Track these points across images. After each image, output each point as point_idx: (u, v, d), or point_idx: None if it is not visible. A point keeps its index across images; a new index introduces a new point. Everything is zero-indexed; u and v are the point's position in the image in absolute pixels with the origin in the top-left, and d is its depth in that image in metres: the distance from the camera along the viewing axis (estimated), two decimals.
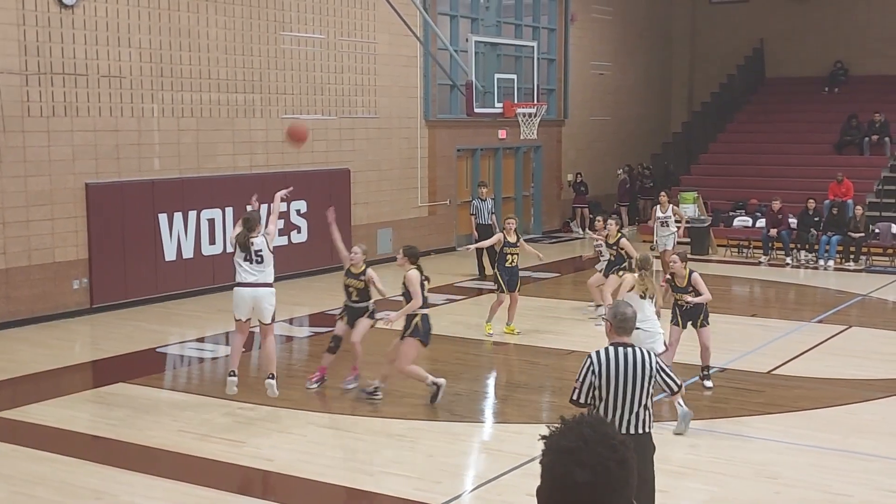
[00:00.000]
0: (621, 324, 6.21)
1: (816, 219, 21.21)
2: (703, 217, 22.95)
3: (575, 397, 6.18)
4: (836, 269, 20.12)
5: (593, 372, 6.10)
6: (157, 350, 13.14)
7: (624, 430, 6.00)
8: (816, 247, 20.84)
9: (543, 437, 2.36)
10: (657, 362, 6.20)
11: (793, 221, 21.49)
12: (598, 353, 6.18)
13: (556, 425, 2.37)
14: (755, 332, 14.22)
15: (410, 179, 21.21)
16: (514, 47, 22.52)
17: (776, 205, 21.25)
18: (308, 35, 18.54)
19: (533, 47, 20.92)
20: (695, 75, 31.22)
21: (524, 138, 20.25)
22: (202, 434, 9.48)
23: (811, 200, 21.29)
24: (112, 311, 15.37)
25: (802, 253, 21.14)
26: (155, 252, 16.08)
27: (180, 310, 15.70)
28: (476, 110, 18.55)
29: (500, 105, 18.84)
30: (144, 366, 12.31)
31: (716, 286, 18.73)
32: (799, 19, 29.14)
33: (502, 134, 23.24)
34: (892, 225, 21.21)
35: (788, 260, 20.88)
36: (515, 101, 19.47)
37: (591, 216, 26.24)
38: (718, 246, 22.35)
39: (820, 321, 14.92)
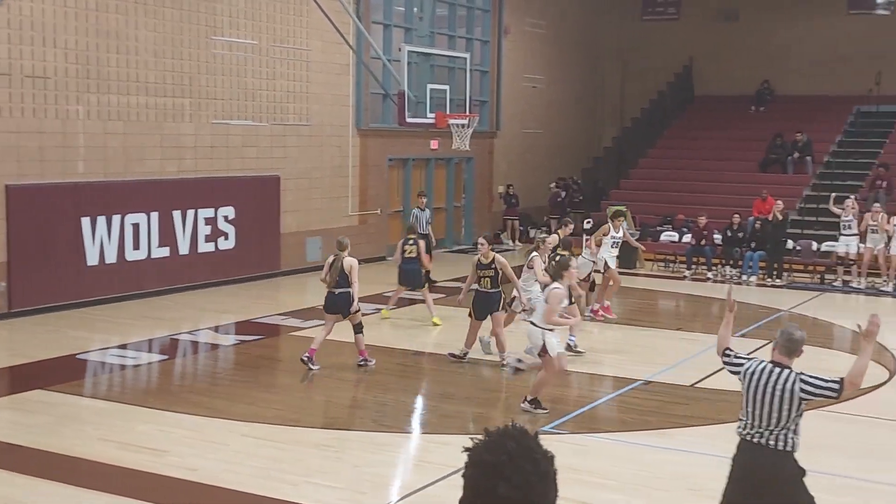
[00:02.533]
0: (787, 343, 6.27)
1: (741, 234, 21.59)
2: (631, 231, 23.20)
3: (725, 357, 6.52)
4: (758, 285, 20.48)
5: (741, 374, 6.34)
6: (78, 356, 12.84)
7: (765, 443, 6.19)
8: (740, 262, 21.21)
9: (467, 450, 2.34)
10: (802, 385, 6.18)
11: (718, 237, 21.87)
12: (754, 362, 6.36)
13: (480, 437, 2.35)
14: (680, 345, 14.40)
15: (341, 188, 21.11)
16: (448, 58, 22.58)
17: (702, 220, 21.59)
18: (240, 40, 18.36)
19: (466, 59, 21.00)
20: (626, 91, 31.62)
21: (456, 149, 20.28)
22: (124, 443, 9.28)
23: (736, 216, 21.66)
24: (32, 315, 15.01)
25: (727, 268, 21.49)
26: (77, 256, 15.75)
27: (103, 315, 15.40)
28: (408, 120, 18.56)
29: (433, 116, 18.86)
30: (65, 372, 12.03)
31: (642, 300, 19.02)
32: (727, 39, 29.70)
33: (434, 144, 23.27)
34: (814, 242, 21.67)
35: (710, 275, 21.23)
36: (448, 112, 19.50)
37: (522, 228, 26.50)
38: (647, 260, 22.63)
39: (743, 335, 15.13)
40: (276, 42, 19.15)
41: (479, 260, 12.85)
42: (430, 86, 19.23)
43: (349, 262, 12.20)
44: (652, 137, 28.80)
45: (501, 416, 10.42)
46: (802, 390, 6.14)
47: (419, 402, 11.64)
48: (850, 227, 20.37)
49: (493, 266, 12.69)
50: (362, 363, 12.44)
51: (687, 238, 22.67)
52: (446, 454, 8.99)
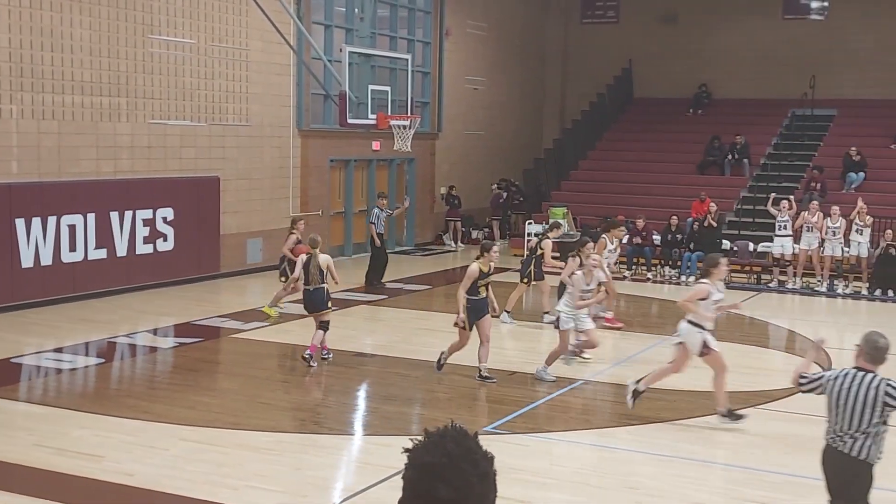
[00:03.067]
0: (872, 352, 6.36)
1: (679, 236, 21.86)
2: (571, 233, 23.38)
3: (801, 384, 6.68)
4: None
5: (823, 385, 6.45)
6: (13, 360, 12.59)
7: (846, 450, 6.29)
8: (679, 263, 21.46)
9: (407, 451, 2.33)
10: (888, 390, 6.27)
11: (657, 238, 22.12)
12: (835, 370, 6.45)
13: (420, 439, 2.34)
14: (620, 344, 14.52)
15: (282, 189, 20.96)
16: (389, 59, 22.53)
17: (640, 222, 21.80)
18: (177, 39, 18.14)
19: (407, 60, 20.97)
20: (566, 93, 31.84)
21: (398, 150, 20.25)
22: (59, 448, 9.12)
23: (674, 217, 21.92)
24: None
25: (666, 269, 21.74)
26: (11, 258, 15.43)
27: (38, 319, 15.11)
28: (349, 121, 18.48)
29: (374, 117, 18.80)
30: None
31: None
32: (666, 42, 30.04)
33: (376, 145, 23.21)
34: (750, 243, 22.00)
35: (650, 275, 21.46)
36: (389, 113, 19.46)
37: (464, 229, 26.55)
38: None
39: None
40: (215, 41, 18.96)
41: (480, 269, 11.87)
42: (371, 87, 19.16)
43: (325, 259, 12.75)
44: (592, 139, 29.03)
45: (444, 417, 10.41)
46: (888, 394, 6.24)
47: (360, 403, 11.60)
48: (785, 228, 20.73)
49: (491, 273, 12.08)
50: (326, 356, 12.74)
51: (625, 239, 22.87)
52: (388, 456, 8.97)
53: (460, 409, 10.91)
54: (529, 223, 24.05)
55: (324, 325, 12.57)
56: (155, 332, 14.56)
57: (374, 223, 19.48)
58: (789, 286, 20.20)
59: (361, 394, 11.98)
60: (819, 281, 20.22)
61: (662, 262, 21.86)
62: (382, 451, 9.23)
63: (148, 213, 17.68)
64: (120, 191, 17.18)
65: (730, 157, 26.06)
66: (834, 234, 20.21)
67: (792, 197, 21.91)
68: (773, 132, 27.50)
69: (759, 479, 8.74)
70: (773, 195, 21.65)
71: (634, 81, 30.72)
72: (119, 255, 17.16)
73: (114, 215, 17.01)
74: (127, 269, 17.31)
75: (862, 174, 24.26)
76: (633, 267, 21.71)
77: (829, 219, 20.35)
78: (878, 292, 19.62)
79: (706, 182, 25.09)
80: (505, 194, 27.71)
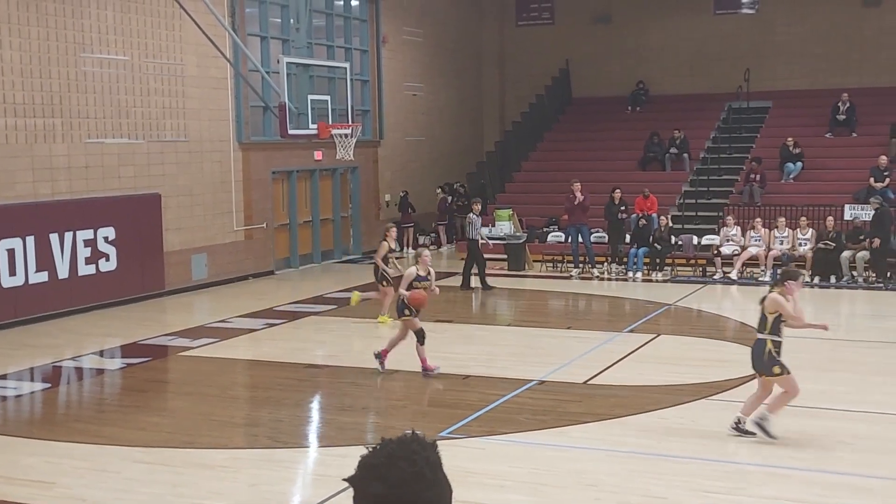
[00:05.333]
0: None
1: (623, 209, 22.15)
2: (518, 234, 23.48)
3: None
4: (643, 280, 20.92)
5: None
6: None
7: None
8: (625, 259, 21.64)
9: (361, 457, 2.42)
10: None
11: (603, 235, 22.32)
12: None
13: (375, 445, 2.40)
14: (571, 343, 14.59)
15: (225, 203, 20.76)
16: (327, 68, 22.45)
17: (577, 186, 22.00)
18: (110, 56, 17.89)
19: (346, 68, 20.89)
20: (506, 95, 31.96)
21: (340, 159, 20.16)
22: (8, 477, 8.92)
23: (617, 191, 22.18)
24: None
25: (613, 265, 21.91)
26: None
27: None
28: (290, 132, 18.34)
29: (315, 126, 18.69)
30: None
31: (533, 301, 19.22)
32: (601, 42, 30.29)
33: (318, 155, 23.10)
34: (694, 237, 22.25)
35: (595, 272, 21.62)
36: (330, 123, 19.37)
37: (416, 235, 26.53)
38: (535, 261, 22.90)
39: (631, 331, 15.45)
40: (149, 57, 18.72)
41: (417, 273, 12.52)
42: (310, 97, 19.05)
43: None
44: (533, 140, 29.17)
45: (399, 425, 10.38)
46: None
47: (314, 415, 11.52)
48: (733, 239, 21.20)
49: None
50: (429, 371, 12.45)
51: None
52: (344, 467, 8.86)
53: (416, 415, 10.88)
54: None
55: (418, 336, 12.37)
56: (101, 353, 14.32)
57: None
58: (733, 277, 20.44)
59: (315, 406, 11.89)
60: (763, 271, 20.51)
61: (609, 259, 22.02)
62: (339, 463, 9.15)
63: (89, 234, 17.40)
64: (59, 212, 16.89)
65: (670, 152, 26.34)
66: (781, 243, 20.72)
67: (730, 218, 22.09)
68: (710, 126, 27.86)
69: (715, 470, 8.82)
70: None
71: (572, 81, 30.92)
72: (61, 277, 16.86)
73: (53, 237, 16.71)
74: (69, 291, 17.02)
75: (799, 164, 24.67)
76: (581, 265, 21.83)
77: (776, 230, 20.84)
78: (817, 280, 19.96)
79: (648, 178, 25.34)
80: (449, 198, 27.75)
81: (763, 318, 9.56)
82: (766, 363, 9.45)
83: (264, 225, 21.86)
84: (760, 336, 9.58)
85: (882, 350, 13.96)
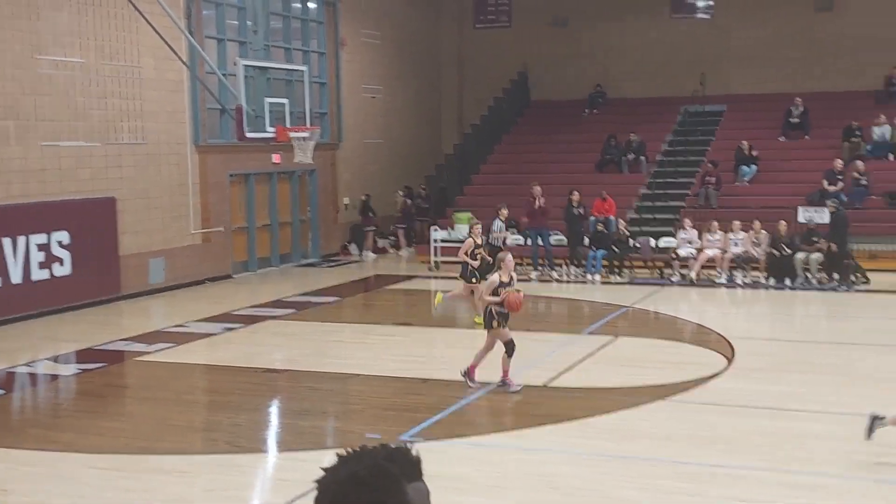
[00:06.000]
0: None
1: (581, 210, 22.29)
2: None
3: None
4: (602, 283, 21.04)
5: None
6: None
7: None
8: (584, 261, 21.75)
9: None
10: None
11: (562, 238, 22.43)
12: None
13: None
14: (531, 346, 14.59)
15: (182, 206, 20.57)
16: (285, 71, 22.32)
17: (536, 189, 22.13)
18: (66, 59, 17.67)
19: (304, 71, 20.80)
20: (464, 98, 32.01)
21: (299, 162, 20.07)
22: None
23: (575, 193, 22.33)
24: None
25: (572, 268, 22.01)
26: None
27: None
28: (248, 135, 18.24)
29: (273, 129, 18.60)
30: None
31: None
32: (559, 45, 30.42)
33: (276, 158, 22.97)
34: (651, 239, 22.41)
35: (554, 274, 21.72)
36: (288, 126, 19.28)
37: (376, 238, 26.48)
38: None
39: (590, 333, 15.53)
40: (106, 59, 18.51)
41: (500, 279, 11.69)
42: (268, 99, 18.93)
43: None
44: (492, 143, 29.23)
45: (358, 429, 10.35)
46: None
47: (273, 420, 11.45)
48: (690, 243, 21.39)
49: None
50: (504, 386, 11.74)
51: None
52: (304, 471, 8.86)
53: (375, 419, 10.85)
54: (435, 229, 24.10)
55: (508, 348, 11.75)
56: (56, 359, 14.14)
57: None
58: (692, 279, 20.61)
59: (273, 410, 11.83)
60: (719, 273, 20.71)
61: (568, 261, 22.12)
62: (298, 467, 9.11)
63: (42, 238, 17.17)
64: (12, 216, 16.65)
65: (627, 155, 26.53)
66: (736, 245, 20.95)
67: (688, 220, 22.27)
68: (667, 129, 28.08)
69: (676, 471, 8.88)
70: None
71: (530, 84, 31.05)
72: (14, 282, 16.62)
73: (6, 241, 16.47)
74: (23, 296, 16.77)
75: (754, 167, 24.94)
76: (540, 268, 21.91)
77: (731, 232, 21.07)
78: (772, 281, 20.20)
79: (606, 181, 25.46)
80: (409, 201, 27.74)
81: None
82: None
83: (222, 228, 21.70)
84: None
85: (837, 350, 14.15)
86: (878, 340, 14.66)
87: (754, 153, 25.07)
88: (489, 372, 11.91)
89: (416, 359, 13.63)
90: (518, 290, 11.61)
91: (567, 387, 12.01)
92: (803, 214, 21.80)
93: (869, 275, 19.98)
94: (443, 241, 23.66)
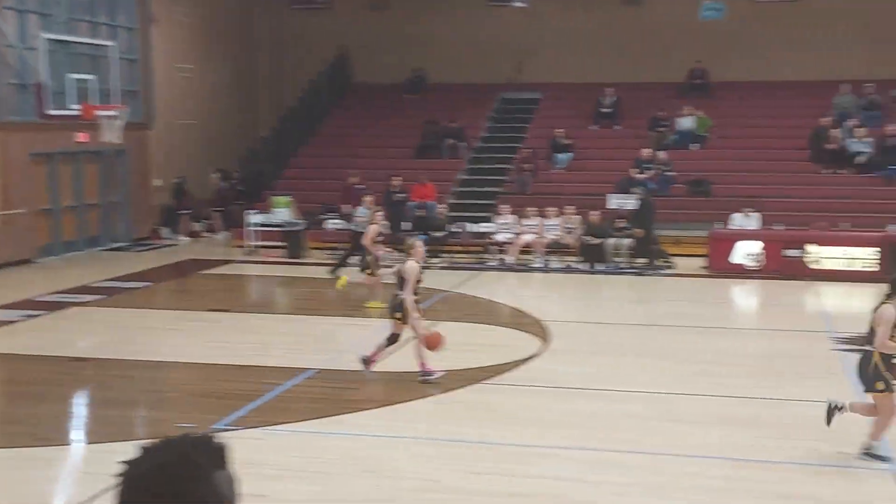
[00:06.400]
0: None
1: (402, 217, 22.29)
2: (296, 220, 23.18)
3: None
4: (423, 268, 21.05)
5: None
6: None
7: None
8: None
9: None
10: None
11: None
12: None
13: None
14: (349, 331, 14.51)
15: None
16: (91, 46, 21.28)
17: (353, 180, 22.12)
18: None
19: (111, 47, 19.90)
20: (282, 80, 31.45)
21: (106, 142, 19.22)
22: None
23: (397, 179, 22.38)
24: None
25: (394, 252, 22.00)
26: None
27: None
28: (50, 112, 17.32)
29: (78, 107, 17.73)
30: None
31: (311, 288, 19.02)
32: (379, 28, 30.30)
33: (81, 137, 21.88)
34: (470, 224, 22.66)
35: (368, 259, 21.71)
36: (94, 103, 18.41)
37: (191, 222, 25.68)
38: (313, 249, 22.70)
39: None
40: None
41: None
42: (72, 75, 18.04)
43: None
44: (311, 126, 28.87)
45: (170, 418, 9.99)
46: None
47: (79, 410, 10.91)
48: (507, 229, 21.76)
49: None
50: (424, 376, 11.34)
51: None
52: (111, 463, 8.44)
53: (188, 407, 10.50)
54: (251, 212, 23.61)
55: (391, 339, 11.46)
56: None
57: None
58: (507, 263, 20.95)
59: (79, 400, 11.27)
60: (536, 258, 21.15)
61: (389, 245, 22.09)
62: (106, 459, 8.68)
63: None
64: None
65: (446, 140, 26.73)
66: (551, 230, 21.45)
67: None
68: (485, 115, 28.46)
69: (493, 452, 8.96)
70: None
71: (350, 68, 30.82)
72: None
73: None
74: None
75: (569, 154, 25.59)
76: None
77: (546, 219, 21.56)
78: (585, 266, 20.80)
79: (425, 166, 25.58)
80: (224, 184, 27.06)
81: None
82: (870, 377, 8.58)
83: (24, 210, 20.54)
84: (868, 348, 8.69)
85: (645, 332, 14.67)
86: (683, 322, 15.29)
87: (568, 141, 25.72)
88: (291, 360, 11.72)
89: (231, 345, 13.28)
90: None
91: (385, 371, 11.96)
92: (614, 201, 22.53)
93: (674, 259, 20.85)
94: (260, 225, 23.20)
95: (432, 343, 11.15)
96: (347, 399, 10.69)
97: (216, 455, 2.25)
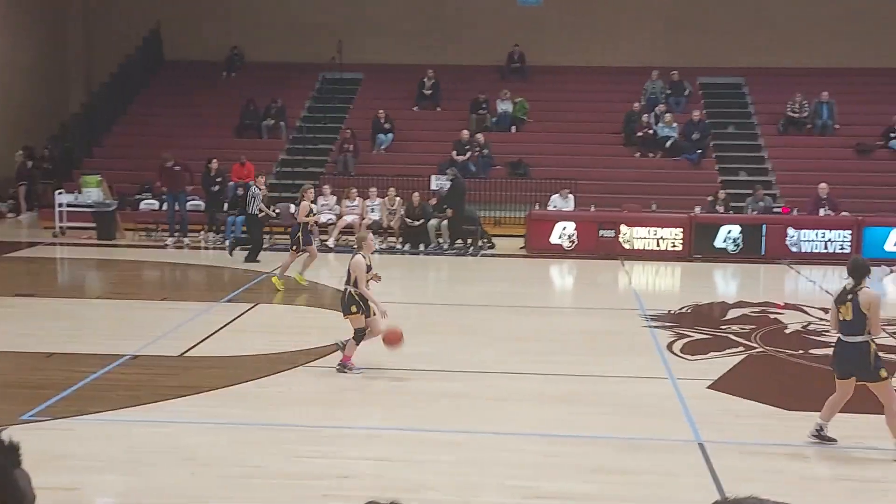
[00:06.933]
0: None
1: (222, 198, 21.84)
2: (108, 201, 22.35)
3: None
4: (242, 249, 20.71)
5: None
6: None
7: None
8: (223, 227, 21.34)
9: None
10: None
11: (199, 203, 21.89)
12: None
13: None
14: (166, 315, 14.10)
15: None
16: None
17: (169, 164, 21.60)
18: None
19: None
20: (92, 55, 30.17)
21: None
22: None
23: (215, 161, 21.99)
24: None
25: (210, 234, 21.54)
26: None
27: None
28: None
29: None
30: None
31: (125, 272, 18.38)
32: (194, 3, 29.49)
33: None
34: (291, 205, 22.38)
35: (187, 241, 21.23)
36: None
37: None
38: (126, 230, 21.95)
39: (229, 300, 15.25)
40: None
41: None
42: None
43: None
44: (124, 103, 27.85)
45: None
46: None
47: None
48: (329, 210, 21.63)
49: None
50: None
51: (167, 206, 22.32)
52: None
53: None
54: (59, 192, 22.61)
55: (357, 335, 10.93)
56: None
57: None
58: (330, 245, 20.84)
59: None
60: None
61: (206, 227, 21.62)
62: None
63: None
64: None
65: (266, 120, 26.31)
66: (373, 211, 21.50)
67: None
68: (306, 95, 28.17)
69: (313, 435, 8.90)
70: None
71: (165, 44, 29.85)
72: None
73: None
74: None
75: (391, 135, 25.63)
76: (176, 234, 21.21)
77: (368, 200, 21.56)
78: (407, 246, 20.95)
79: (245, 146, 25.13)
80: (29, 163, 25.77)
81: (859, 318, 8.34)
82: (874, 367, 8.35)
83: None
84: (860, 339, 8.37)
85: (465, 312, 14.88)
86: (502, 302, 15.60)
87: (390, 123, 25.76)
88: (105, 346, 11.32)
89: (40, 332, 12.68)
90: (374, 277, 11.22)
91: (204, 356, 11.70)
92: (435, 182, 22.74)
93: (494, 240, 21.25)
94: (69, 205, 22.25)
95: (392, 339, 10.75)
96: (165, 386, 10.39)
97: (12, 454, 2.18)
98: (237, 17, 29.43)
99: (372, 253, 11.55)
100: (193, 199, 22.14)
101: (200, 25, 29.40)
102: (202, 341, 12.37)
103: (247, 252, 18.84)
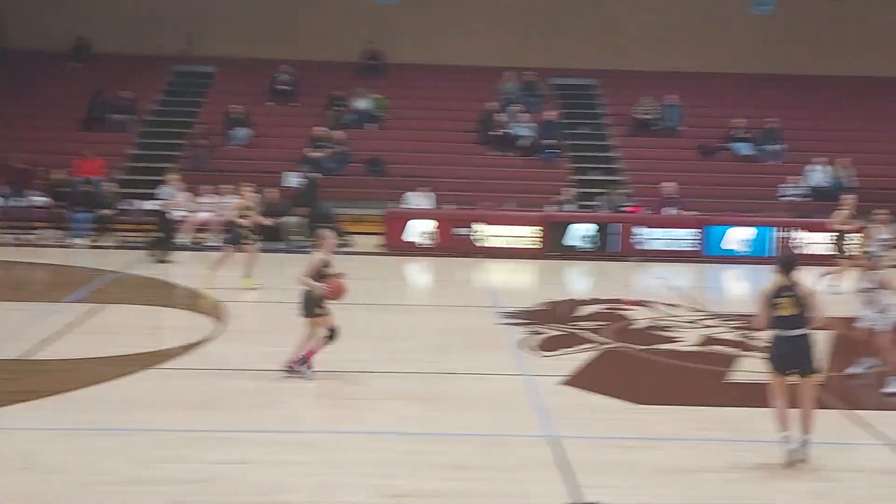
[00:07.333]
0: None
1: (68, 191, 21.15)
2: None
3: None
4: (91, 247, 20.06)
5: None
6: None
7: None
8: (70, 225, 20.61)
9: None
10: None
11: (43, 199, 21.09)
12: None
13: None
14: (6, 316, 13.49)
15: None
16: None
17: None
18: None
19: None
20: None
21: None
22: None
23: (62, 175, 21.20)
24: None
25: (55, 231, 20.80)
26: None
27: None
28: None
29: None
30: None
31: None
32: None
33: None
34: (143, 201, 21.78)
35: (32, 238, 20.47)
36: None
37: None
38: None
39: (75, 301, 14.70)
40: None
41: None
42: None
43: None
44: None
45: None
46: None
47: None
48: (182, 205, 21.16)
49: None
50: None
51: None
52: None
53: None
54: None
55: (331, 335, 10.59)
56: None
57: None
58: (185, 243, 20.37)
59: None
60: (213, 237, 20.67)
61: (50, 223, 20.86)
62: None
63: None
64: None
65: (115, 113, 25.50)
66: (227, 208, 21.14)
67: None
68: (157, 88, 27.42)
69: (163, 440, 8.64)
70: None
71: (5, 31, 28.52)
72: None
73: None
74: None
75: (246, 131, 25.20)
76: (17, 231, 20.38)
77: (223, 196, 21.25)
78: (264, 244, 20.66)
79: (92, 140, 24.30)
80: None
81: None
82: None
83: None
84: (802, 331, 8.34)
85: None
86: (359, 300, 15.48)
87: (245, 117, 25.33)
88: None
89: None
90: (341, 275, 10.77)
91: (48, 359, 11.22)
92: (291, 179, 22.50)
93: (352, 237, 21.14)
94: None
95: (336, 291, 10.61)
96: (5, 390, 9.91)
97: None
98: (83, 6, 28.36)
99: (333, 252, 11.19)
100: (37, 196, 21.29)
101: (43, 13, 28.20)
102: (44, 344, 11.86)
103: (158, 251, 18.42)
